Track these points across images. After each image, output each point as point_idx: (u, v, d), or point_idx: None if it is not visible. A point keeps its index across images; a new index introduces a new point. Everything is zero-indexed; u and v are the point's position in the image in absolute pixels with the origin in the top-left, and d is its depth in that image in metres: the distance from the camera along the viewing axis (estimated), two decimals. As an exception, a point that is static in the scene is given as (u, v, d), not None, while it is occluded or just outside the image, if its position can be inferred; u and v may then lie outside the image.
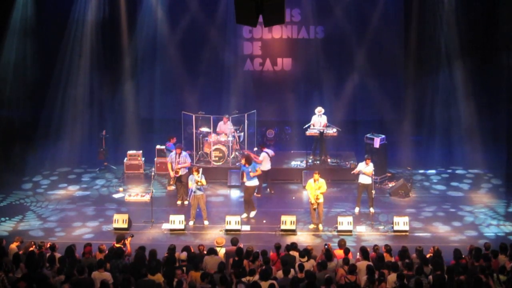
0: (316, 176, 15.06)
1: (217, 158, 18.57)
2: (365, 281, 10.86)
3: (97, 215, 16.15)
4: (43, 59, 19.61)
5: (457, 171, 19.11)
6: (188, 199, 16.28)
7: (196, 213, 15.57)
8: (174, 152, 16.61)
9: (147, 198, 16.77)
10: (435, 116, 20.30)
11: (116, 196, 17.49)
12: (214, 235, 14.52)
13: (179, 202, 16.79)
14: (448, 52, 19.97)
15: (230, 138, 18.57)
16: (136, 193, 17.47)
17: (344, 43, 20.83)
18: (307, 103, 20.10)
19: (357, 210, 16.28)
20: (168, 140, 17.89)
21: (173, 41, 20.95)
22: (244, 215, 15.82)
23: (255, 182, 15.91)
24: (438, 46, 20.11)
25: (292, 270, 11.22)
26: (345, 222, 15.04)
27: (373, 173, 16.00)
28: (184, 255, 11.90)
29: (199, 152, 19.01)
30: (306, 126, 18.55)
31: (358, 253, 12.20)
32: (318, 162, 18.58)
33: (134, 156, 19.25)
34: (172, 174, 16.52)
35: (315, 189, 15.03)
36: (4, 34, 18.50)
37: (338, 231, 14.95)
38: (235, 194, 17.76)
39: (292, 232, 14.96)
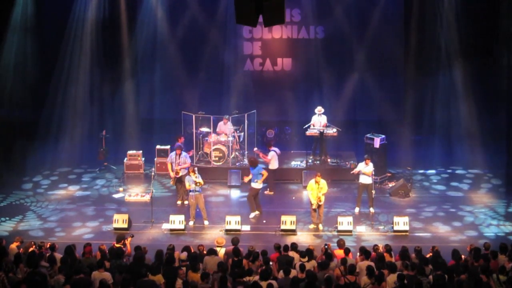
0: (318, 178, 15.06)
1: (217, 158, 18.57)
2: (365, 281, 10.86)
3: (97, 215, 16.15)
4: (43, 59, 19.59)
5: (457, 171, 19.11)
6: (187, 198, 16.35)
7: (196, 213, 15.57)
8: (174, 152, 16.61)
9: (147, 198, 16.77)
10: (435, 116, 20.30)
11: (116, 196, 17.50)
12: (214, 235, 14.52)
13: (179, 202, 16.79)
14: (448, 52, 19.96)
15: (230, 138, 18.57)
16: (136, 193, 17.47)
17: (344, 43, 20.83)
18: (307, 103, 20.10)
19: (357, 210, 16.28)
20: (177, 140, 17.86)
21: (173, 41, 20.95)
22: (252, 214, 15.89)
23: (259, 185, 15.92)
24: (438, 46, 20.10)
25: (292, 270, 11.22)
26: (345, 222, 15.04)
27: (373, 173, 16.01)
28: (184, 255, 11.89)
29: (199, 152, 19.01)
30: (306, 126, 18.55)
31: (358, 253, 12.20)
32: (318, 162, 18.58)
33: (134, 156, 19.25)
34: (172, 174, 16.51)
35: (316, 190, 15.02)
36: (4, 33, 18.49)
37: (338, 231, 14.95)
38: (235, 194, 17.76)
39: (292, 232, 14.96)
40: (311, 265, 11.57)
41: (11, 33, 18.67)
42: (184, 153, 16.61)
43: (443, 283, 10.63)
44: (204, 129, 19.02)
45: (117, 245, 12.41)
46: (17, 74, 18.91)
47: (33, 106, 19.56)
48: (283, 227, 15.04)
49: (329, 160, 18.77)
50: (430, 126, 20.33)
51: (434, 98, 20.31)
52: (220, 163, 18.57)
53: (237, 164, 18.73)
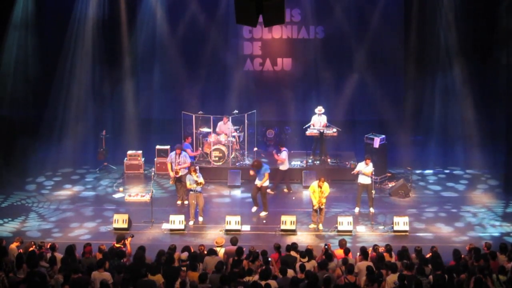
0: (321, 182, 15.03)
1: (217, 158, 18.57)
2: (365, 281, 10.86)
3: (97, 216, 16.15)
4: (44, 58, 19.56)
5: (457, 171, 19.09)
6: (187, 198, 16.38)
7: (195, 212, 15.57)
8: (174, 152, 16.61)
9: (147, 198, 16.76)
10: (435, 116, 20.29)
11: (116, 196, 17.49)
12: (214, 235, 14.51)
13: (179, 202, 16.79)
14: (448, 52, 19.95)
15: (230, 138, 18.57)
16: (136, 193, 17.47)
17: (344, 43, 20.82)
18: (307, 103, 20.10)
19: (357, 210, 16.28)
20: (184, 140, 17.81)
21: (173, 41, 20.94)
22: (263, 213, 15.99)
23: (266, 183, 15.98)
24: (438, 46, 20.10)
25: (292, 270, 11.22)
26: (345, 222, 15.04)
27: (373, 173, 16.00)
28: (185, 255, 11.89)
29: (199, 152, 19.01)
30: (306, 126, 18.55)
31: (358, 253, 12.20)
32: (318, 162, 18.58)
33: (134, 156, 19.25)
34: (171, 174, 16.51)
35: (319, 194, 15.01)
36: (5, 32, 18.49)
37: (338, 231, 14.95)
38: (235, 194, 17.75)
39: (292, 232, 14.96)
40: (311, 265, 11.58)
41: (12, 31, 18.67)
42: (184, 153, 16.61)
43: (443, 283, 10.64)
44: (204, 129, 19.02)
45: (117, 245, 12.41)
46: (18, 73, 18.91)
47: (33, 105, 19.53)
48: (283, 227, 15.04)
49: (329, 160, 18.77)
50: (430, 126, 20.33)
51: (434, 98, 20.31)
52: (220, 163, 18.56)
53: (237, 164, 18.72)
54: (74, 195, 17.52)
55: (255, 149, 19.46)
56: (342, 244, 12.44)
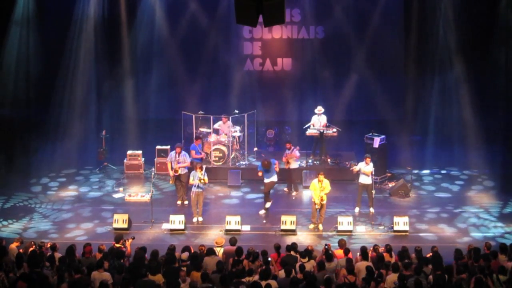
0: (321, 177, 15.06)
1: (217, 158, 18.56)
2: (364, 281, 10.85)
3: (97, 216, 16.14)
4: (44, 58, 19.56)
5: (455, 172, 19.07)
6: (187, 198, 16.39)
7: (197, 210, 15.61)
8: (174, 151, 16.62)
9: (147, 198, 16.76)
10: (435, 116, 20.29)
11: (116, 196, 17.49)
12: (214, 235, 14.51)
13: (179, 202, 16.79)
14: (448, 52, 19.96)
15: (230, 138, 18.57)
16: (136, 193, 17.47)
17: (344, 43, 20.83)
18: (307, 103, 20.08)
19: (357, 210, 16.28)
20: (194, 141, 17.74)
21: (173, 41, 20.95)
22: (268, 204, 16.07)
23: (274, 178, 16.00)
24: (438, 46, 20.10)
25: (292, 270, 11.22)
26: (345, 222, 15.04)
27: (373, 172, 16.00)
28: (185, 255, 11.89)
29: (203, 156, 18.98)
30: (306, 126, 18.55)
31: (358, 253, 12.20)
32: (318, 162, 18.58)
33: (134, 156, 19.24)
34: (171, 173, 16.51)
35: (319, 190, 15.02)
36: (6, 32, 18.49)
37: (338, 231, 14.95)
38: (235, 194, 17.74)
39: (292, 232, 14.96)
40: (310, 265, 11.57)
41: (13, 31, 18.67)
42: (184, 152, 16.62)
43: (443, 283, 10.63)
44: (204, 130, 19.02)
45: (117, 245, 12.40)
46: (19, 72, 18.93)
47: (33, 105, 19.55)
48: (283, 227, 15.04)
49: (329, 160, 18.77)
50: (430, 126, 20.33)
51: (434, 98, 20.31)
52: (220, 163, 18.56)
53: (237, 164, 18.73)
54: (76, 196, 17.47)
55: (255, 149, 19.48)
56: (342, 244, 12.44)
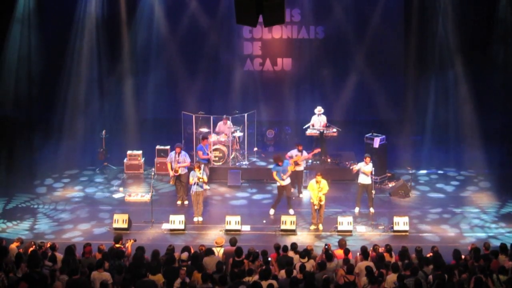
0: (319, 177, 15.05)
1: (217, 158, 18.56)
2: (365, 282, 10.85)
3: (97, 216, 16.13)
4: (43, 59, 19.53)
5: (457, 172, 19.07)
6: (189, 194, 16.42)
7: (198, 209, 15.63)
8: (173, 151, 16.62)
9: (147, 198, 16.76)
10: (435, 116, 20.30)
11: (116, 196, 17.49)
12: (214, 235, 14.51)
13: (179, 202, 16.79)
14: (448, 52, 19.96)
15: (230, 138, 18.57)
16: (136, 193, 17.47)
17: (344, 43, 20.84)
18: (307, 103, 20.09)
19: (357, 210, 16.28)
20: (201, 141, 17.70)
21: (173, 41, 20.95)
22: (291, 211, 15.89)
23: (288, 181, 15.90)
24: (438, 46, 20.11)
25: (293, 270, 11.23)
26: (345, 222, 15.04)
27: (373, 172, 16.00)
28: (185, 255, 11.89)
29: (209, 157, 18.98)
30: (306, 126, 18.55)
31: (358, 253, 12.20)
32: (318, 162, 18.58)
33: (134, 156, 19.24)
34: (171, 173, 16.51)
35: (317, 190, 15.02)
36: (7, 32, 18.49)
37: (338, 231, 14.95)
38: (236, 194, 17.74)
39: (292, 232, 14.96)
40: (310, 265, 11.57)
41: (13, 30, 18.66)
42: (183, 152, 16.62)
43: (443, 283, 10.63)
44: (204, 130, 19.03)
45: (117, 246, 12.40)
46: (20, 72, 18.91)
47: (33, 105, 19.52)
48: (283, 227, 15.04)
49: (329, 160, 18.76)
50: (430, 126, 20.33)
51: (434, 98, 20.31)
52: (220, 163, 18.56)
53: (237, 164, 18.73)
54: (77, 197, 17.45)
55: (255, 149, 19.48)
56: (342, 244, 12.44)
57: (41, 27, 19.49)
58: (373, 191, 15.76)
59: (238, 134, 18.99)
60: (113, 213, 15.58)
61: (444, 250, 12.49)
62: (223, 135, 18.63)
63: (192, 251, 12.24)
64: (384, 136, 18.23)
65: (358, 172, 16.09)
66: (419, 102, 20.55)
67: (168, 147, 18.82)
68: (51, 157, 19.11)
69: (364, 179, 15.94)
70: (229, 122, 18.71)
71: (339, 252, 12.27)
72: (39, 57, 19.46)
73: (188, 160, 16.55)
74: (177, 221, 15.13)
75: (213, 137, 18.55)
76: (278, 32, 21.18)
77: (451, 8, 19.71)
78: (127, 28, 20.55)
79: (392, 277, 10.91)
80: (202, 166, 15.69)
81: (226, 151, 18.53)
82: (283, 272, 11.16)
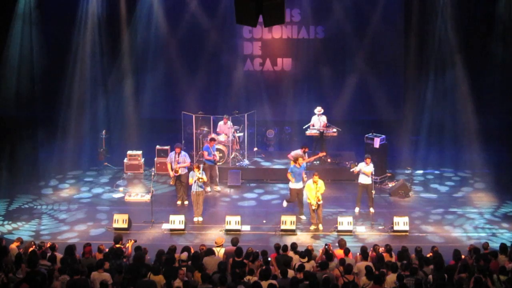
0: (316, 178, 15.05)
1: (217, 158, 18.53)
2: (364, 282, 10.85)
3: (97, 216, 16.13)
4: (45, 59, 19.46)
5: (457, 172, 19.07)
6: (187, 198, 16.41)
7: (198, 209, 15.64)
8: (173, 152, 16.62)
9: (147, 198, 16.76)
10: (435, 116, 20.29)
11: (116, 196, 17.49)
12: (214, 235, 14.50)
13: (179, 202, 16.79)
14: (448, 52, 19.96)
15: (230, 138, 18.57)
16: (136, 193, 17.47)
17: (344, 43, 20.85)
18: (307, 103, 20.10)
19: (357, 210, 16.27)
20: (208, 143, 17.64)
21: (173, 41, 20.95)
22: (303, 217, 15.74)
23: (301, 185, 15.72)
24: (438, 46, 20.10)
25: (291, 270, 11.22)
26: (345, 222, 15.04)
27: (373, 173, 16.00)
28: (184, 255, 11.89)
29: (199, 152, 19.01)
30: (306, 126, 18.55)
31: (358, 253, 12.20)
32: (318, 162, 18.57)
33: (134, 156, 19.23)
34: (171, 174, 16.51)
35: (315, 190, 15.02)
36: (8, 31, 18.52)
37: (338, 231, 14.95)
38: (236, 194, 17.74)
39: (292, 232, 14.96)
40: (310, 265, 11.57)
41: (16, 30, 18.68)
42: (183, 152, 16.62)
43: (443, 283, 10.63)
44: (204, 130, 19.03)
45: (117, 246, 12.39)
46: (22, 72, 18.90)
47: (33, 105, 19.50)
48: (283, 227, 15.03)
49: (329, 160, 18.76)
50: (430, 126, 20.32)
51: (434, 98, 20.31)
52: (220, 163, 18.55)
53: (237, 164, 18.73)
54: (73, 197, 17.44)
55: (255, 149, 19.48)
56: (342, 244, 12.43)
57: (42, 26, 19.41)
58: (373, 191, 15.76)
59: (239, 134, 18.99)
60: (112, 213, 15.55)
61: (444, 250, 12.49)
62: (223, 135, 18.62)
63: (192, 251, 12.25)
64: (384, 136, 18.23)
65: (358, 172, 16.09)
66: (419, 102, 20.54)
67: (168, 147, 18.82)
68: (53, 157, 19.11)
69: (365, 179, 15.94)
70: (229, 122, 18.71)
71: (339, 252, 12.27)
72: (40, 56, 19.40)
73: (188, 160, 16.55)
74: (177, 221, 15.13)
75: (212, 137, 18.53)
76: (278, 32, 21.18)
77: (450, 8, 19.71)
78: (127, 28, 20.55)
79: (392, 277, 10.91)
80: (201, 166, 15.69)
81: (226, 151, 18.53)
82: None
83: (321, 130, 18.32)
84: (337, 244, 12.80)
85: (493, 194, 17.32)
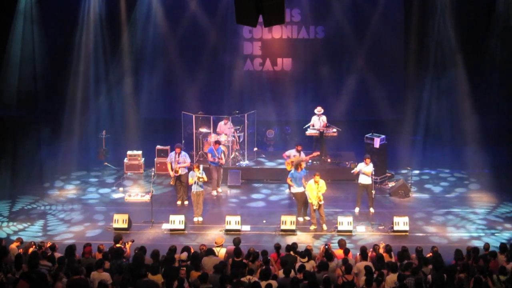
0: (317, 178, 15.05)
1: (223, 162, 18.50)
2: (363, 282, 10.85)
3: (97, 216, 16.12)
4: (46, 59, 19.47)
5: (458, 172, 19.07)
6: (187, 198, 16.42)
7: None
8: (173, 152, 16.63)
9: (147, 198, 16.76)
10: (435, 116, 20.29)
11: (116, 196, 17.49)
12: (214, 235, 14.50)
13: (179, 202, 16.79)
14: (448, 52, 19.96)
15: (230, 138, 18.57)
16: (136, 193, 17.47)
17: (344, 43, 20.85)
18: (307, 103, 20.11)
19: (357, 210, 16.27)
20: (212, 145, 17.59)
21: (173, 41, 20.96)
22: (301, 219, 15.66)
23: (303, 188, 15.63)
24: (438, 46, 20.11)
25: (292, 270, 11.22)
26: (345, 222, 15.03)
27: (373, 173, 16.00)
28: (184, 255, 11.89)
29: (199, 152, 19.01)
30: (306, 126, 18.55)
31: (358, 253, 12.20)
32: (318, 162, 18.58)
33: (134, 156, 19.23)
34: (171, 174, 16.51)
35: (316, 190, 15.01)
36: (9, 32, 18.53)
37: (338, 231, 14.95)
38: (235, 194, 17.74)
39: (292, 232, 14.96)
40: (310, 265, 11.57)
41: (15, 28, 18.69)
42: (183, 152, 16.63)
43: (442, 283, 10.63)
44: (204, 130, 19.03)
45: (117, 246, 12.38)
46: (23, 71, 18.92)
47: (34, 105, 19.51)
48: (283, 227, 15.03)
49: (329, 160, 18.76)
50: (430, 126, 20.33)
51: (434, 98, 20.31)
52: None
53: (237, 164, 18.72)
54: (73, 197, 17.45)
55: (255, 149, 19.48)
56: (342, 244, 12.43)
57: (43, 22, 19.35)
58: (373, 191, 15.76)
59: (238, 134, 18.99)
60: (112, 213, 15.54)
61: (444, 251, 12.50)
62: (223, 135, 18.62)
63: (192, 251, 12.24)
64: (384, 136, 18.23)
65: (358, 172, 16.09)
66: (419, 102, 20.54)
67: (168, 147, 18.82)
68: (54, 157, 19.08)
69: (365, 179, 15.94)
70: (229, 122, 18.71)
71: (339, 252, 12.27)
72: (42, 55, 19.39)
73: (188, 160, 16.55)
74: (177, 221, 15.13)
75: (212, 137, 18.54)
76: (278, 32, 21.18)
77: (450, 8, 19.71)
78: (127, 28, 20.55)
79: (392, 277, 10.91)
80: (201, 166, 15.69)
81: (226, 151, 18.52)
82: (281, 272, 11.13)
83: (321, 130, 18.32)
84: (337, 244, 12.80)
85: (494, 194, 17.30)
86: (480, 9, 19.78)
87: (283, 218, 15.11)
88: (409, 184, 17.59)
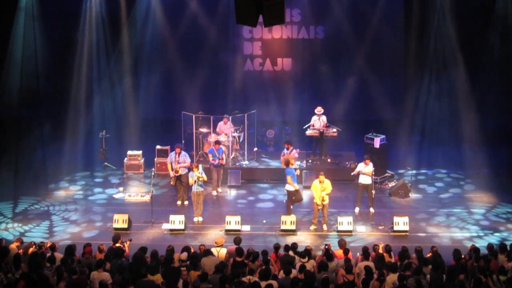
0: (322, 177, 15.05)
1: (224, 162, 18.50)
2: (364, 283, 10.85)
3: (97, 216, 16.12)
4: (47, 59, 19.48)
5: (456, 172, 19.08)
6: (187, 199, 16.41)
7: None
8: (173, 152, 16.63)
9: (147, 198, 16.76)
10: (435, 116, 20.29)
11: (116, 196, 17.49)
12: (214, 235, 14.50)
13: (179, 202, 16.79)
14: (448, 52, 19.96)
15: (230, 138, 18.57)
16: (136, 193, 17.47)
17: (344, 43, 20.86)
18: (307, 103, 20.10)
19: (357, 210, 16.27)
20: (213, 145, 17.58)
21: (173, 41, 20.97)
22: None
23: (287, 187, 15.75)
24: (438, 46, 20.11)
25: (293, 270, 11.22)
26: (345, 222, 15.03)
27: (373, 173, 16.00)
28: (184, 255, 11.89)
29: (199, 152, 19.02)
30: (306, 126, 18.55)
31: (358, 253, 12.20)
32: (318, 162, 18.58)
33: (134, 156, 19.24)
34: (172, 174, 16.51)
35: (320, 190, 15.01)
36: (9, 32, 18.52)
37: (338, 231, 14.95)
38: (235, 194, 17.74)
39: (292, 232, 14.96)
40: (310, 265, 11.57)
41: (16, 28, 18.67)
42: (183, 152, 16.63)
43: (441, 283, 10.63)
44: (204, 130, 19.03)
45: (117, 245, 12.39)
46: (24, 72, 18.91)
47: (34, 105, 19.50)
48: (283, 227, 15.03)
49: (329, 160, 18.77)
50: (430, 126, 20.32)
51: (434, 98, 20.31)
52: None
53: (237, 164, 18.72)
54: (73, 197, 17.44)
55: (255, 149, 19.48)
56: (342, 244, 12.44)
57: (44, 20, 19.32)
58: (373, 191, 15.76)
59: (236, 134, 18.98)
60: (112, 213, 15.53)
61: (444, 251, 12.49)
62: (223, 135, 18.62)
63: (192, 251, 12.24)
64: (384, 136, 18.23)
65: (358, 173, 16.09)
66: (418, 102, 20.54)
67: (168, 147, 18.82)
68: (56, 157, 19.05)
69: (365, 179, 15.95)
70: (229, 122, 18.71)
71: (339, 252, 12.27)
72: (43, 53, 19.38)
73: (188, 160, 16.55)
74: (177, 221, 15.13)
75: (212, 137, 18.55)
76: (278, 32, 21.19)
77: (450, 8, 19.71)
78: (127, 28, 20.55)
79: (392, 277, 10.91)
80: (200, 166, 15.69)
81: (226, 151, 18.52)
82: (281, 272, 11.13)
83: (321, 130, 18.32)
84: (337, 244, 12.80)
85: (494, 194, 17.30)
86: (480, 9, 19.78)
87: (283, 218, 15.11)
88: (409, 184, 17.59)
